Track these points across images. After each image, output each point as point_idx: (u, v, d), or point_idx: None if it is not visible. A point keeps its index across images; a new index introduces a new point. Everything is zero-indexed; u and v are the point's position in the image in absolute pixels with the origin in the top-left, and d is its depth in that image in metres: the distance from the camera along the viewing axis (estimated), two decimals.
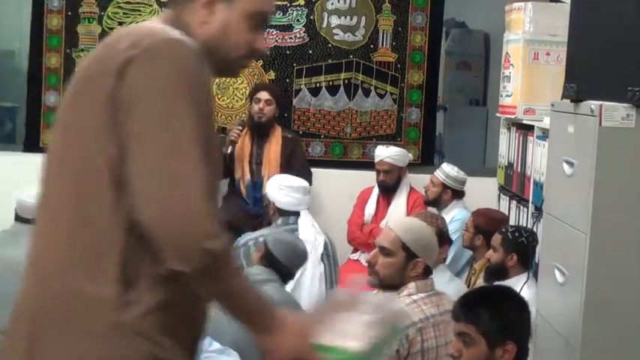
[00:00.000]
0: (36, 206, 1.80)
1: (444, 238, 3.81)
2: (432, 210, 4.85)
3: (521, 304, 2.48)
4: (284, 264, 3.45)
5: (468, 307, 2.41)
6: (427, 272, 2.98)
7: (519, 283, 3.54)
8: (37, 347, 1.69)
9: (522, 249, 3.61)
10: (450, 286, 3.67)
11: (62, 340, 1.67)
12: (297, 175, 4.88)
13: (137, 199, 1.63)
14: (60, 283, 1.68)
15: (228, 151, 5.39)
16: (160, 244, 1.63)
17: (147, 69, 1.64)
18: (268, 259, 3.45)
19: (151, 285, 1.67)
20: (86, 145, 1.68)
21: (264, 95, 5.44)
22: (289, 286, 3.82)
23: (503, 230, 3.70)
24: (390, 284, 2.97)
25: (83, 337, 1.66)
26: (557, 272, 2.61)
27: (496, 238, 3.68)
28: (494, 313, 2.39)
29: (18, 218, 4.26)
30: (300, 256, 3.55)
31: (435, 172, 5.13)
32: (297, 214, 4.34)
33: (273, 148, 5.42)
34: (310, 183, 5.10)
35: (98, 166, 1.66)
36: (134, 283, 1.67)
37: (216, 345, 2.79)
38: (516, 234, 3.64)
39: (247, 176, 5.41)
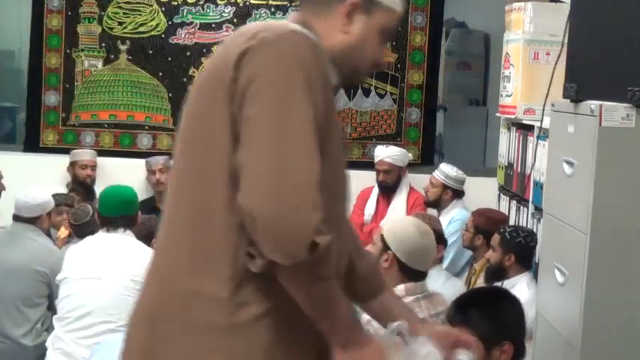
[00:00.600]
0: (164, 206, 1.77)
1: (437, 239, 3.79)
2: (431, 211, 4.85)
3: (514, 304, 2.48)
4: None
5: (462, 310, 2.41)
6: (405, 270, 2.92)
7: (518, 283, 3.55)
8: (156, 347, 1.66)
9: (520, 249, 3.61)
10: (447, 285, 3.67)
11: (179, 341, 1.64)
12: None
13: (242, 183, 1.55)
14: (177, 284, 1.64)
15: None
16: (260, 230, 1.52)
17: (262, 57, 1.60)
18: None
19: (263, 287, 1.60)
20: (206, 143, 1.64)
21: None
22: None
23: (502, 230, 3.70)
24: None
25: (199, 338, 1.62)
26: (557, 272, 2.61)
27: (495, 239, 3.68)
28: (489, 314, 2.39)
29: (15, 218, 4.27)
30: None
31: (434, 173, 5.13)
32: None
33: None
34: None
35: (216, 162, 1.61)
36: (246, 284, 1.60)
37: None
38: (514, 234, 3.64)
39: None
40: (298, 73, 1.58)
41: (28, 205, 4.25)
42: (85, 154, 5.76)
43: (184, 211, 1.66)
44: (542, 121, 3.34)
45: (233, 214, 1.59)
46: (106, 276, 3.54)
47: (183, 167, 1.71)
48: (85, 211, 4.33)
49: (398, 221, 3.08)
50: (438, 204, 5.05)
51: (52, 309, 4.02)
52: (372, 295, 2.02)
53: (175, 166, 1.76)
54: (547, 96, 2.92)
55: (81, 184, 5.49)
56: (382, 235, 2.97)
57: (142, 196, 5.63)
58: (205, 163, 1.64)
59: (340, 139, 1.77)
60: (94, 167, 5.71)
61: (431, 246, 3.05)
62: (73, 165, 5.71)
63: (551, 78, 2.86)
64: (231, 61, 1.61)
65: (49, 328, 3.90)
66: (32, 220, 4.24)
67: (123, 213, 3.75)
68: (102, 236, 3.74)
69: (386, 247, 2.94)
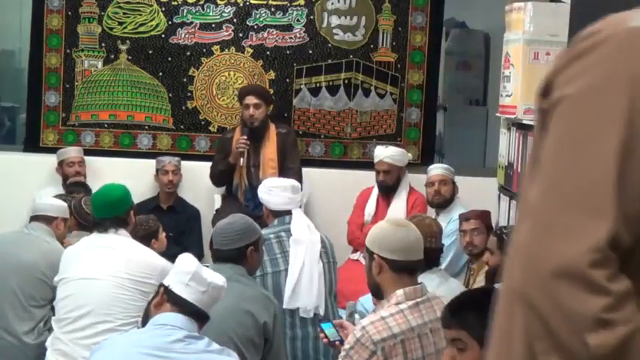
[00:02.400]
0: None
1: (437, 239, 3.77)
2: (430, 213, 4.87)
3: None
4: (225, 249, 3.39)
5: (456, 312, 2.39)
6: (397, 267, 2.82)
7: None
8: None
9: None
10: (441, 289, 3.65)
11: None
12: (289, 175, 4.86)
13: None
14: None
15: (241, 164, 5.35)
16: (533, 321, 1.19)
17: (565, 79, 1.21)
18: (216, 255, 3.42)
19: None
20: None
21: (251, 100, 5.38)
22: (289, 285, 3.80)
23: (498, 232, 3.69)
24: (373, 291, 2.95)
25: None
26: None
27: (492, 241, 3.68)
28: (484, 315, 2.37)
29: (32, 218, 4.29)
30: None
31: (442, 172, 5.13)
32: (291, 213, 4.22)
33: (269, 149, 5.39)
34: (300, 182, 5.05)
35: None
36: None
37: (215, 345, 2.78)
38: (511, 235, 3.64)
39: (245, 182, 5.36)
40: (606, 92, 1.16)
41: (45, 204, 4.27)
42: (70, 152, 5.75)
43: None
44: None
45: None
46: (102, 276, 3.54)
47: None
48: None
49: (373, 227, 3.03)
50: (450, 201, 5.07)
51: (53, 309, 4.02)
52: None
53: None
54: None
55: (76, 184, 5.49)
56: (366, 247, 2.93)
57: (145, 195, 5.65)
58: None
59: None
60: (81, 163, 5.70)
61: (411, 233, 2.91)
62: (60, 165, 5.71)
63: None
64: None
65: (51, 328, 3.91)
66: (49, 221, 4.24)
67: (110, 215, 3.72)
68: (96, 236, 3.74)
69: (371, 255, 2.87)
